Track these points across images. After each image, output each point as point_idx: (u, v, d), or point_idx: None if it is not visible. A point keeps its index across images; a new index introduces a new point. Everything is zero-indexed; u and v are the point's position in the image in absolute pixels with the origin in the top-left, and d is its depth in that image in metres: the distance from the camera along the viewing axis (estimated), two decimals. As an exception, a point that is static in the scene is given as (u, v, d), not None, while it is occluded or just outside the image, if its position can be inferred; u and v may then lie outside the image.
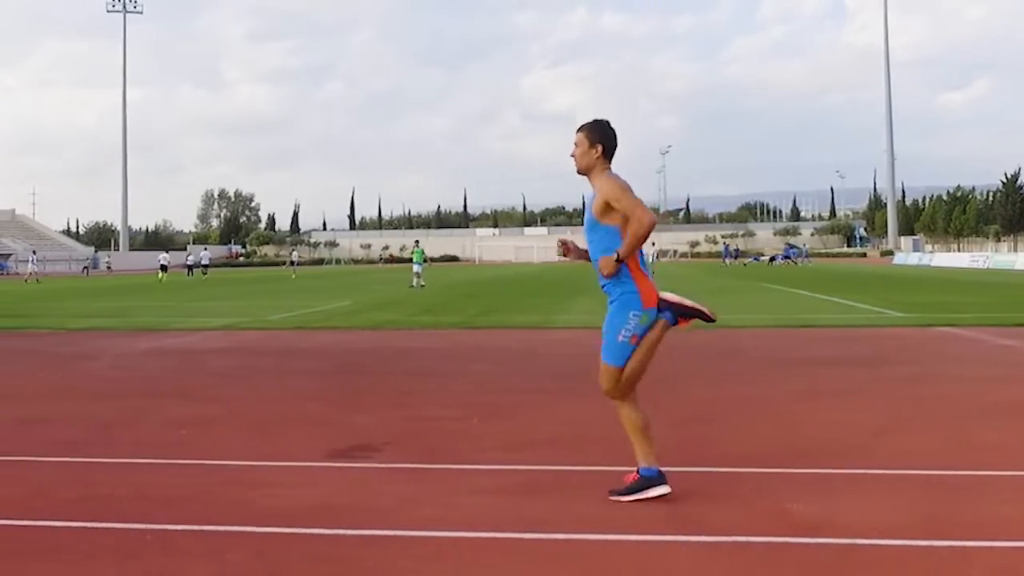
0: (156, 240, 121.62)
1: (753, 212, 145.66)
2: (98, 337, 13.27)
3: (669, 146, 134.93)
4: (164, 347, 11.76)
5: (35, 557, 3.58)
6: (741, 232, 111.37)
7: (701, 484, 4.49)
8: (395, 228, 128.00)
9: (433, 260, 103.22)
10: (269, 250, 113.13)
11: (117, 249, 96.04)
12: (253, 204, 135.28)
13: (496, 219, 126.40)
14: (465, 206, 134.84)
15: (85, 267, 68.23)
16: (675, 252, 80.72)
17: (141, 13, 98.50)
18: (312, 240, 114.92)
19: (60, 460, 5.25)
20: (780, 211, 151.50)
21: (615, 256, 4.14)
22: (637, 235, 4.10)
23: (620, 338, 4.21)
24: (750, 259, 72.15)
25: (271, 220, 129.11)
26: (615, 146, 4.33)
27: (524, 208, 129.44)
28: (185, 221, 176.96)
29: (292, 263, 54.80)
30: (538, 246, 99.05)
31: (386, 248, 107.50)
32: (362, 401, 7.25)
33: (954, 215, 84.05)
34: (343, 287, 32.36)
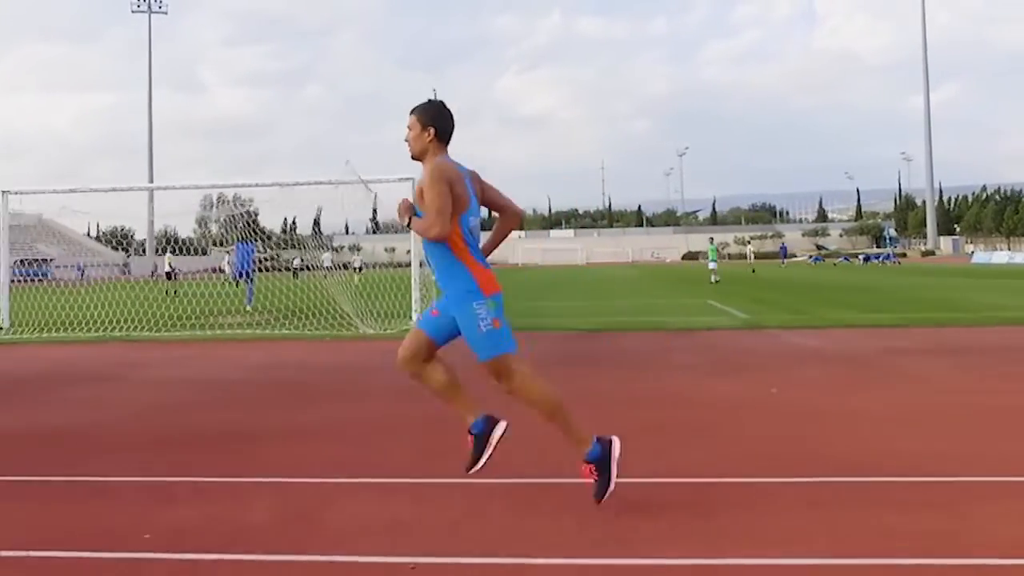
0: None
1: (772, 213, 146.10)
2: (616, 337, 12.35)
3: (687, 147, 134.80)
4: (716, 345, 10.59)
5: None
6: (770, 233, 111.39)
7: None
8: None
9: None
10: (290, 255, 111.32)
11: (141, 253, 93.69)
12: (252, 208, 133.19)
13: (522, 222, 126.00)
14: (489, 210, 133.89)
15: (153, 272, 65.75)
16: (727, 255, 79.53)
17: (166, 13, 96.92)
18: (335, 244, 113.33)
19: None
20: (787, 212, 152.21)
21: (407, 218, 3.92)
22: (420, 232, 3.91)
23: (481, 329, 3.91)
24: (840, 259, 72.12)
25: (292, 224, 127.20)
26: (450, 129, 4.08)
27: (549, 210, 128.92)
28: (180, 225, 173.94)
29: (358, 268, 54.54)
30: (581, 248, 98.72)
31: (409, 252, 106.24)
32: None
33: (1006, 215, 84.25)
34: (586, 284, 30.84)
